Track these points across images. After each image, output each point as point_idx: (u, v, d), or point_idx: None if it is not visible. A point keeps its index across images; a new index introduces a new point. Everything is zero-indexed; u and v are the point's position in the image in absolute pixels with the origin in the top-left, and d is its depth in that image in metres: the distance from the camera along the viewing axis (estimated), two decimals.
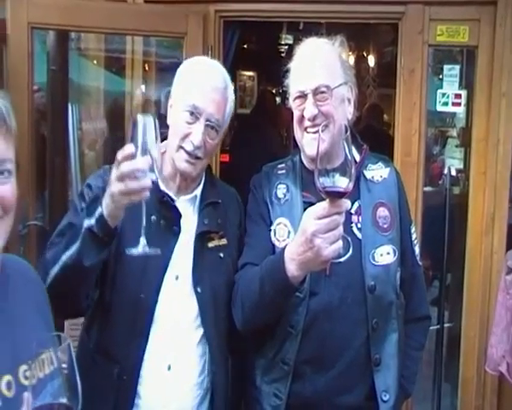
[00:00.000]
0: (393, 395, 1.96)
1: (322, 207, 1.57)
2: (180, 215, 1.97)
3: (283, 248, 1.77)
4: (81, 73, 4.07)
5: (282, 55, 6.63)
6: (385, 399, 1.94)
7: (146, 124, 1.55)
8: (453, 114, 4.01)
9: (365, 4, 3.32)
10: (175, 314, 1.94)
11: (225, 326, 2.02)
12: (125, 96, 3.79)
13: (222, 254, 2.03)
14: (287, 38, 6.54)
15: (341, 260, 1.68)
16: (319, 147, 1.62)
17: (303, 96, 1.94)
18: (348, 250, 1.69)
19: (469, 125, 3.70)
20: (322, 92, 1.91)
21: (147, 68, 3.85)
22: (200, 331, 1.98)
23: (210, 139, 1.95)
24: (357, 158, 2.03)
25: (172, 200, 1.97)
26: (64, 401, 1.14)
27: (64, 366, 1.16)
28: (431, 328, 3.36)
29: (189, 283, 1.96)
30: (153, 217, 1.89)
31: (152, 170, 1.56)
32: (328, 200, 1.56)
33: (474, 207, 3.33)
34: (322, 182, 1.53)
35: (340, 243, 1.61)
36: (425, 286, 2.19)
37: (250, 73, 5.76)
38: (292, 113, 2.02)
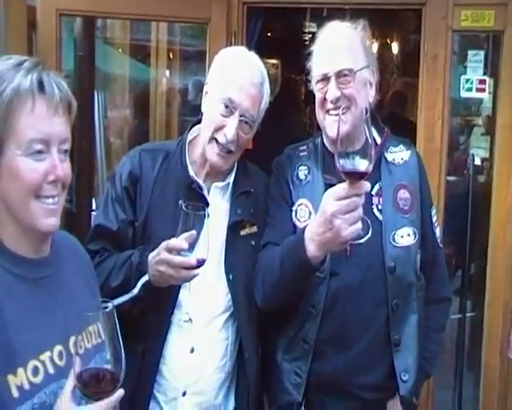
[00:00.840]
0: (413, 375, 1.98)
1: (342, 188, 1.61)
2: (207, 204, 1.97)
3: (304, 229, 1.79)
4: (107, 60, 4.12)
5: (306, 43, 6.62)
6: (404, 379, 1.96)
7: (196, 218, 1.74)
8: (479, 102, 3.98)
9: None
10: (200, 300, 1.96)
11: (257, 312, 2.04)
12: (149, 83, 3.84)
13: (253, 242, 2.05)
14: (310, 27, 6.50)
15: (361, 241, 1.74)
16: (340, 129, 1.65)
17: (326, 78, 1.95)
18: (368, 232, 1.75)
19: (495, 112, 3.69)
20: (345, 75, 1.93)
21: (171, 56, 3.88)
22: (224, 316, 2.00)
23: (243, 134, 1.96)
24: (379, 140, 2.04)
25: (201, 188, 1.99)
26: (109, 367, 1.23)
27: (108, 336, 1.25)
28: (453, 317, 3.39)
29: (218, 269, 1.98)
30: (180, 201, 1.90)
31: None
32: (348, 181, 1.59)
33: (497, 195, 3.29)
34: (343, 164, 1.57)
35: (360, 224, 1.64)
36: (446, 268, 2.19)
37: (274, 61, 5.75)
38: (314, 97, 2.03)
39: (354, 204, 1.61)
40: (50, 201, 1.35)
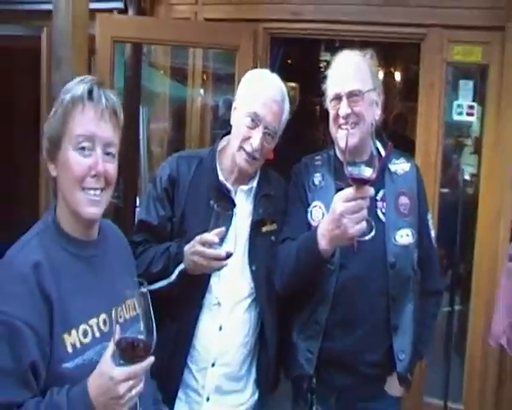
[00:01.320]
0: (408, 355, 1.99)
1: (349, 191, 1.65)
2: (234, 205, 1.99)
3: (317, 226, 1.83)
4: (151, 80, 4.16)
5: (321, 69, 6.66)
6: (401, 358, 1.97)
7: (225, 217, 1.79)
8: (469, 125, 3.98)
9: (393, 26, 3.33)
10: (227, 287, 1.98)
11: (276, 299, 2.04)
12: (186, 100, 3.87)
13: (273, 238, 2.06)
14: (325, 55, 6.55)
15: (365, 238, 1.75)
16: (349, 141, 1.73)
17: (338, 98, 1.97)
18: (371, 231, 1.75)
19: (482, 134, 3.69)
20: (355, 95, 1.94)
21: (205, 78, 3.91)
22: (248, 301, 2.01)
23: (266, 144, 1.97)
24: (383, 153, 2.06)
25: (228, 191, 2.01)
26: (143, 337, 1.26)
27: (142, 312, 1.28)
28: (444, 309, 3.38)
29: (242, 261, 2.00)
30: (211, 202, 1.94)
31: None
32: (354, 186, 1.63)
33: (483, 205, 3.30)
34: (350, 171, 1.61)
35: (364, 224, 1.67)
36: (438, 265, 2.18)
37: (293, 84, 5.77)
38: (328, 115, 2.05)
39: (359, 206, 1.65)
40: (92, 192, 1.41)
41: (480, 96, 3.39)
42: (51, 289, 1.32)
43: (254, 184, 2.08)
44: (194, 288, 1.93)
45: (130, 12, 3.61)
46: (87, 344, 1.37)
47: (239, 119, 1.99)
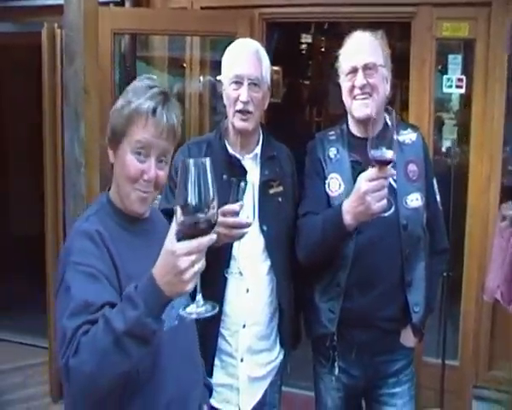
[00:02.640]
0: (422, 308, 2.14)
1: (372, 171, 1.80)
2: (246, 171, 2.10)
3: (341, 204, 1.97)
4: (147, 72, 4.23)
5: (303, 52, 6.80)
6: (416, 310, 2.12)
7: (241, 189, 1.87)
8: (450, 100, 4.17)
9: (384, 6, 3.51)
10: (248, 249, 2.07)
11: (287, 257, 2.18)
12: (184, 89, 3.97)
13: (280, 199, 2.17)
14: (306, 38, 6.69)
15: (385, 214, 1.89)
16: (364, 111, 1.95)
17: (354, 70, 2.08)
18: (391, 208, 1.89)
19: (462, 107, 3.89)
20: (370, 68, 2.06)
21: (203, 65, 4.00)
22: (268, 263, 2.14)
23: (254, 93, 2.06)
24: (389, 123, 2.19)
25: (238, 160, 2.12)
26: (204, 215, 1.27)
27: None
28: None
29: (256, 223, 2.08)
30: (224, 176, 2.03)
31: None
32: (377, 167, 1.79)
33: (473, 172, 3.50)
34: (373, 153, 1.77)
35: (385, 201, 1.83)
36: (444, 225, 2.32)
37: (276, 68, 5.87)
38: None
39: (381, 185, 1.81)
40: (143, 194, 1.55)
41: (466, 71, 3.54)
42: (114, 253, 1.46)
43: (258, 150, 2.19)
44: (220, 259, 2.02)
45: (127, 4, 3.71)
46: None
47: (227, 90, 2.10)
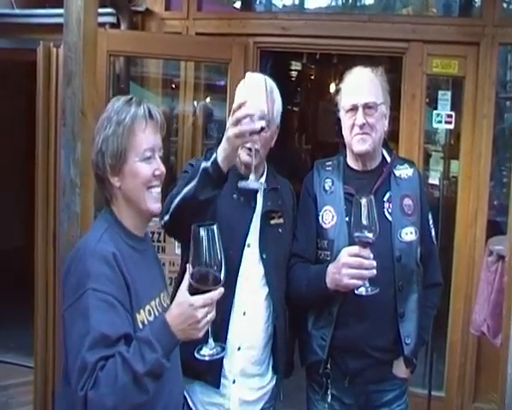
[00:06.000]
0: (413, 340, 2.17)
1: (354, 248, 1.94)
2: (257, 191, 2.12)
3: (327, 266, 2.06)
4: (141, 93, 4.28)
5: (292, 79, 6.91)
6: (407, 342, 2.15)
7: (258, 82, 1.85)
8: (436, 133, 4.30)
9: (376, 40, 3.63)
10: (248, 274, 2.12)
11: (284, 286, 2.21)
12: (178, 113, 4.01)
13: (280, 230, 2.20)
14: (296, 65, 6.81)
15: (363, 293, 1.98)
16: (362, 147, 2.02)
17: (355, 108, 2.13)
18: (374, 290, 1.97)
19: (450, 141, 4.01)
20: (370, 107, 2.12)
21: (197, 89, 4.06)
22: (266, 290, 2.17)
23: (263, 133, 2.03)
24: (388, 159, 2.26)
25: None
26: (213, 271, 1.48)
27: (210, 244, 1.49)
28: None
29: (257, 250, 2.13)
30: (234, 196, 2.10)
31: (262, 118, 1.78)
32: (359, 246, 1.92)
33: (461, 206, 3.60)
34: (356, 234, 1.91)
35: (358, 282, 1.95)
36: (438, 259, 2.37)
37: None
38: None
39: (359, 263, 1.93)
40: (157, 190, 1.67)
41: (455, 106, 3.68)
42: (126, 274, 1.54)
43: (263, 180, 2.24)
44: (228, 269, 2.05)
45: (123, 26, 3.76)
46: (151, 322, 1.61)
47: None
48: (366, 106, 2.13)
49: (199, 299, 1.44)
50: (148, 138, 1.63)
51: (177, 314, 1.45)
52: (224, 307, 2.08)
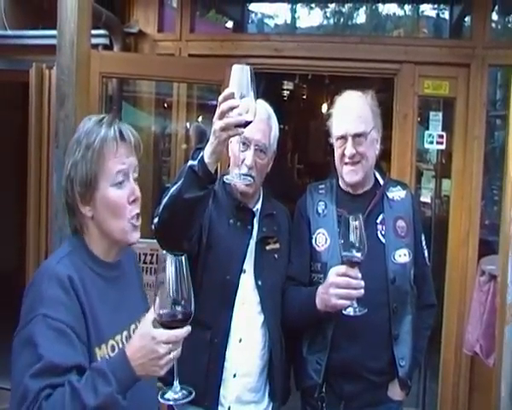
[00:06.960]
0: (408, 362, 2.17)
1: (342, 267, 1.94)
2: (254, 215, 2.15)
3: (317, 287, 2.06)
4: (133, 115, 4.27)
5: (285, 98, 6.96)
6: (402, 364, 2.15)
7: (243, 72, 1.72)
8: (428, 152, 4.33)
9: (368, 62, 3.66)
10: (244, 300, 2.12)
11: (280, 312, 2.20)
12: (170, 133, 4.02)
13: (276, 256, 2.21)
14: (288, 85, 6.86)
15: (351, 313, 1.97)
16: (352, 178, 2.05)
17: (344, 138, 2.15)
18: (362, 311, 1.97)
19: (442, 160, 4.04)
20: (360, 136, 2.13)
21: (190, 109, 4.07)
22: (262, 316, 2.16)
23: (260, 160, 2.11)
24: (381, 181, 2.27)
25: (245, 205, 2.16)
26: (181, 308, 1.33)
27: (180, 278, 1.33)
28: None
29: (252, 277, 2.14)
30: (231, 221, 2.11)
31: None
32: (347, 265, 1.92)
33: (453, 225, 3.62)
34: (344, 254, 1.91)
35: (346, 302, 1.94)
36: (432, 281, 2.37)
37: None
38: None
39: (346, 283, 1.93)
40: (134, 220, 1.52)
41: (446, 127, 3.72)
42: (84, 301, 1.42)
43: (258, 206, 2.24)
44: (226, 293, 2.09)
45: (116, 48, 3.78)
46: None
47: (234, 147, 2.12)
48: (356, 135, 2.14)
49: (163, 334, 1.29)
50: (119, 161, 1.49)
51: (137, 347, 1.30)
52: (222, 333, 2.09)
